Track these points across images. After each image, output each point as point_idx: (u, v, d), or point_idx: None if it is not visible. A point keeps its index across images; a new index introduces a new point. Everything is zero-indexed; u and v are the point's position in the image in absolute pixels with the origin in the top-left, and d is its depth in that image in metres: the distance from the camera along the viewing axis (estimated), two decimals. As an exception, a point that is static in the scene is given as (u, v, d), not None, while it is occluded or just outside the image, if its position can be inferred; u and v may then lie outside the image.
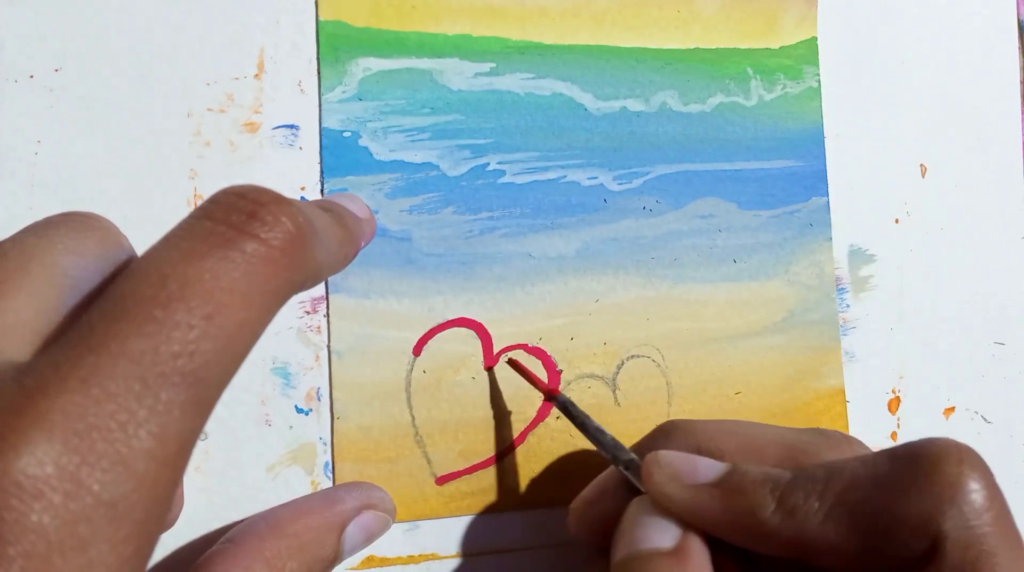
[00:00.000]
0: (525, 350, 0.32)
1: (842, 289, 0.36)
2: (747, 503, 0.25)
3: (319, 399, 0.30)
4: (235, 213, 0.18)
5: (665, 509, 0.26)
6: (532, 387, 0.31)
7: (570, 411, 0.30)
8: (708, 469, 0.26)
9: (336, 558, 0.27)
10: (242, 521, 0.27)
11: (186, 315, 0.17)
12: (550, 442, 0.32)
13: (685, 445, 0.28)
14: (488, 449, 0.31)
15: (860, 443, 0.28)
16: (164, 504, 0.17)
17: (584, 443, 0.32)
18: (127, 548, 0.16)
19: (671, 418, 0.33)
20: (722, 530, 0.25)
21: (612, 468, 0.29)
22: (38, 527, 0.15)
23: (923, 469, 0.23)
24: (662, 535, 0.25)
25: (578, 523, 0.29)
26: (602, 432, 0.29)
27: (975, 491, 0.23)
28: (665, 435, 0.29)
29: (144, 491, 0.16)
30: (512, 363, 0.31)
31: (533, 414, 0.32)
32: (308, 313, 0.30)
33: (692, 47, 0.34)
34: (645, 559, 0.25)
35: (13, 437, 0.15)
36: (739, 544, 0.25)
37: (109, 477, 0.15)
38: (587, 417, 0.29)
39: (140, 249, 0.19)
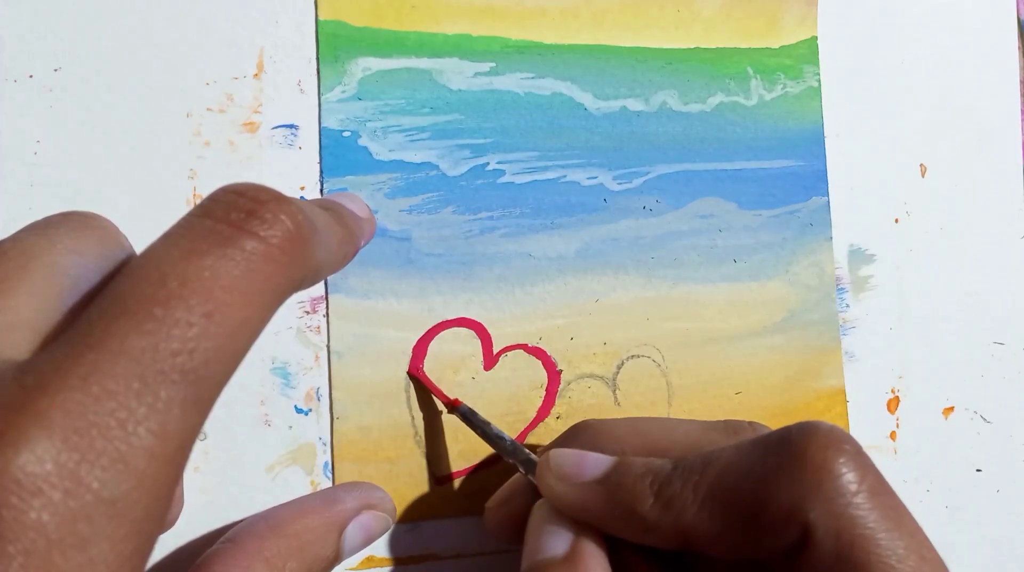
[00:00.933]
0: (525, 350, 0.32)
1: (842, 289, 0.36)
2: (628, 498, 0.24)
3: (319, 399, 0.30)
4: (234, 211, 0.18)
5: (559, 510, 0.26)
6: (525, 390, 0.31)
7: (471, 420, 0.30)
8: (594, 465, 0.26)
9: (336, 558, 0.27)
10: (241, 521, 0.27)
11: (186, 313, 0.17)
12: (550, 442, 0.32)
13: (589, 445, 0.27)
14: (488, 449, 0.31)
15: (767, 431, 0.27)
16: (164, 502, 0.17)
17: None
18: (127, 546, 0.16)
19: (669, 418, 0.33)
20: (610, 527, 0.25)
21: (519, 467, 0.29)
22: (37, 525, 0.15)
23: (790, 456, 0.23)
24: (555, 542, 0.25)
25: (491, 523, 0.30)
26: (502, 437, 0.29)
27: (842, 475, 0.22)
28: (573, 435, 0.29)
29: (144, 489, 0.16)
30: (415, 374, 0.31)
31: (533, 414, 0.32)
32: (308, 313, 0.30)
33: (692, 47, 0.34)
34: (542, 570, 0.25)
35: (12, 434, 0.15)
36: (629, 539, 0.25)
37: (109, 475, 0.15)
38: (488, 424, 0.29)
39: (140, 249, 0.19)
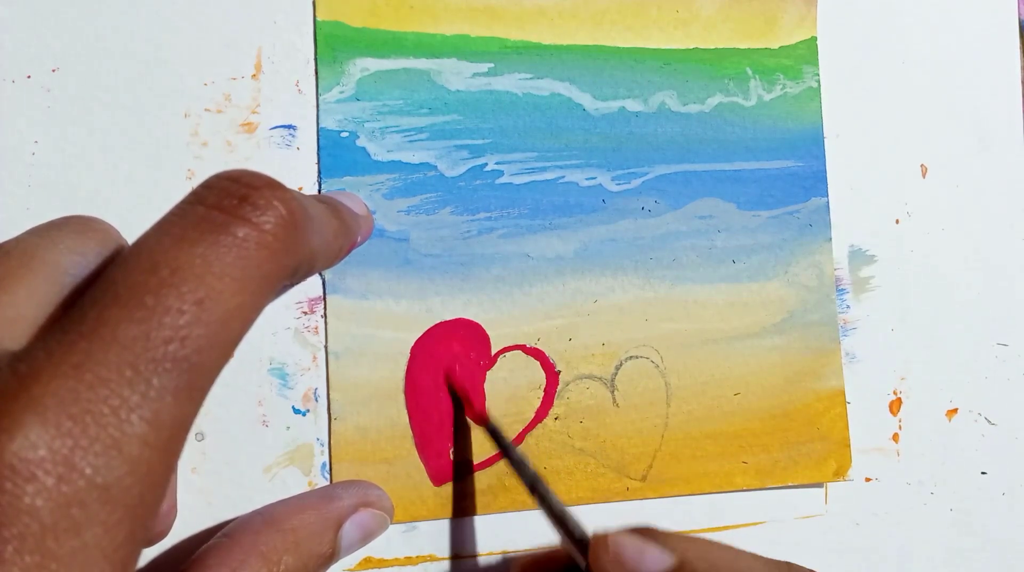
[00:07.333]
0: (523, 351, 0.32)
1: (843, 290, 0.36)
2: None
3: (316, 400, 0.30)
4: (227, 198, 0.18)
5: None
6: (524, 391, 0.31)
7: (541, 495, 0.29)
8: (656, 560, 0.25)
9: (333, 555, 0.27)
10: (238, 517, 0.27)
11: (177, 301, 0.17)
12: (548, 443, 0.32)
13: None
14: (486, 450, 0.31)
15: None
16: (158, 490, 0.17)
17: (582, 443, 0.32)
18: (120, 532, 0.16)
19: (669, 419, 0.33)
20: None
21: (564, 540, 0.28)
22: (31, 509, 0.15)
23: None
24: None
25: None
26: (566, 514, 0.28)
27: None
28: (632, 530, 0.28)
29: (137, 476, 0.16)
30: (449, 379, 0.31)
31: (531, 415, 0.32)
32: (305, 314, 0.30)
33: (691, 47, 0.34)
34: None
35: (6, 421, 0.15)
36: None
37: (102, 461, 0.15)
38: (560, 505, 0.28)
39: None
